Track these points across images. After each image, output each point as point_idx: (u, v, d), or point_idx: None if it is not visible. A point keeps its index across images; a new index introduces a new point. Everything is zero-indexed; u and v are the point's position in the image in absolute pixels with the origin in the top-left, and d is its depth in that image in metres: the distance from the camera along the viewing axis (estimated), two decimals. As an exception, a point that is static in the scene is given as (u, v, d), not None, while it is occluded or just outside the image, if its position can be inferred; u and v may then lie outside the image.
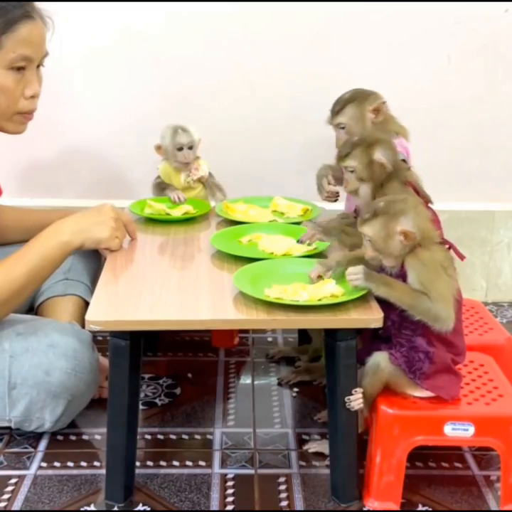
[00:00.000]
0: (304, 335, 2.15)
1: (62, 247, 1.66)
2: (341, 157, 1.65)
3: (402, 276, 1.48)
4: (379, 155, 1.61)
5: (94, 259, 2.09)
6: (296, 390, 1.99)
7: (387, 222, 1.46)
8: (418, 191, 1.66)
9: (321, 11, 2.30)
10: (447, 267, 1.47)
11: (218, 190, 2.12)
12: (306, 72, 2.34)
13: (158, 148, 2.08)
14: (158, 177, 2.11)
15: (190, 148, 2.05)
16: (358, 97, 1.87)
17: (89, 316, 1.45)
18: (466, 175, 2.42)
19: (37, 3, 1.71)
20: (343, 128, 1.88)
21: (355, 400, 1.50)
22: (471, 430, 1.50)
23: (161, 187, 2.10)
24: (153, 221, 2.01)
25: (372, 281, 1.46)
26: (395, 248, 1.47)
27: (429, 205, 1.67)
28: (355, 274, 1.47)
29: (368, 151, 1.62)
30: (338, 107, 1.88)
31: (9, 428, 1.75)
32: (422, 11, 2.31)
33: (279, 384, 2.01)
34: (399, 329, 1.51)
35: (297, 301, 1.47)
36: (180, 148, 2.05)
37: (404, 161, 1.69)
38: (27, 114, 1.75)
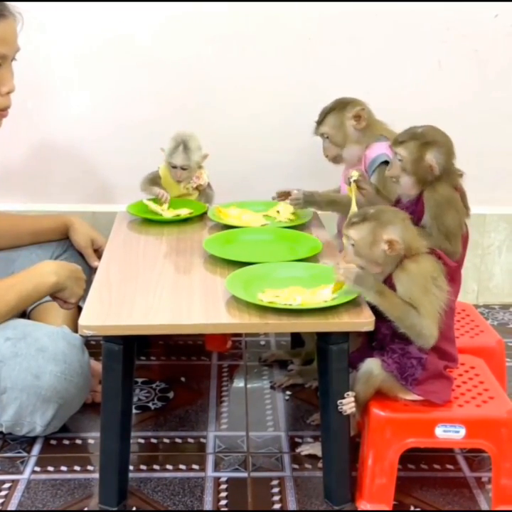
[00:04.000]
0: (296, 338, 2.16)
1: (51, 286, 1.79)
2: (396, 142, 1.65)
3: (390, 288, 1.49)
4: (431, 156, 1.60)
5: (85, 264, 2.10)
6: (288, 393, 1.99)
7: (375, 228, 1.47)
8: (464, 200, 1.67)
9: (313, 18, 2.31)
10: (437, 277, 1.48)
11: (206, 201, 2.13)
12: (299, 77, 2.35)
13: (162, 150, 2.10)
14: (156, 172, 2.12)
15: (184, 169, 2.06)
16: (337, 106, 1.92)
17: (83, 320, 1.46)
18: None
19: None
20: (327, 138, 1.92)
21: (347, 404, 1.51)
22: (462, 432, 1.51)
23: (153, 181, 2.10)
24: (148, 223, 2.02)
25: (363, 287, 1.47)
26: (378, 256, 1.47)
27: (466, 219, 1.68)
28: (348, 274, 1.47)
29: (422, 148, 1.61)
30: (320, 118, 1.93)
31: (1, 433, 1.76)
32: (414, 17, 2.32)
33: (272, 387, 2.02)
34: (391, 340, 1.52)
35: (290, 305, 1.48)
36: (174, 167, 2.07)
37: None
38: (2, 111, 1.79)
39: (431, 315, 1.45)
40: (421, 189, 1.64)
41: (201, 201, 2.14)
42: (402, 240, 1.46)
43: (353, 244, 1.49)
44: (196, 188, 2.13)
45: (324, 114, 1.92)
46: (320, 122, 1.93)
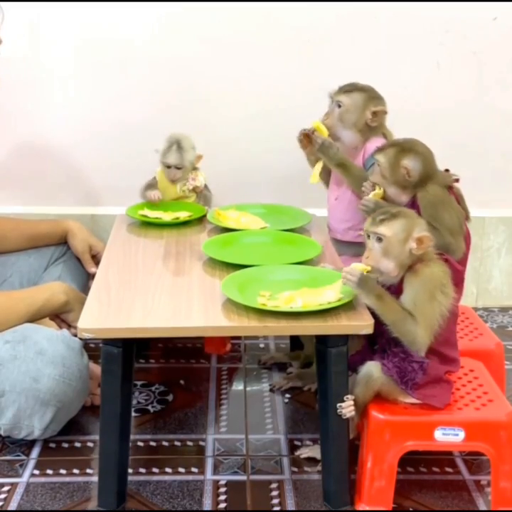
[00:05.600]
0: (295, 341, 2.16)
1: (61, 305, 1.84)
2: (377, 150, 1.70)
3: (397, 292, 1.48)
4: (407, 162, 1.64)
5: (82, 269, 2.11)
6: (288, 396, 1.99)
7: (408, 225, 1.46)
8: (459, 202, 1.69)
9: (311, 19, 2.31)
10: (445, 284, 1.48)
11: (204, 203, 2.13)
12: (297, 79, 2.35)
13: (157, 151, 2.10)
14: (154, 178, 2.13)
15: (178, 168, 2.07)
16: (369, 92, 1.90)
17: (82, 323, 1.46)
18: (456, 181, 2.44)
19: None
20: (340, 107, 1.89)
21: (347, 407, 1.50)
22: (462, 435, 1.51)
23: (150, 186, 2.11)
24: (147, 226, 2.02)
25: (364, 289, 1.46)
26: (405, 255, 1.46)
27: (467, 221, 1.69)
28: (352, 275, 1.46)
29: (399, 154, 1.65)
30: (349, 88, 1.90)
31: (0, 436, 1.76)
32: (413, 19, 2.33)
33: (271, 390, 2.02)
34: (395, 345, 1.52)
35: (290, 308, 1.48)
36: (168, 166, 2.08)
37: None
38: None
39: (428, 324, 1.45)
40: (411, 195, 1.66)
41: (200, 203, 2.14)
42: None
43: (380, 240, 1.46)
44: (193, 190, 2.13)
45: (355, 88, 1.89)
46: (346, 91, 1.89)
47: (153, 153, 2.09)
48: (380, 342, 1.55)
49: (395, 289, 1.49)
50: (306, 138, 1.92)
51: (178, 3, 2.29)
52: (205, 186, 2.15)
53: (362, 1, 2.30)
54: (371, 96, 1.90)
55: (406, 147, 1.67)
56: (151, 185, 2.12)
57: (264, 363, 2.15)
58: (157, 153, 2.09)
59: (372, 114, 1.88)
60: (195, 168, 2.11)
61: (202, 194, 2.15)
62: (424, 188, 1.65)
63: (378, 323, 1.48)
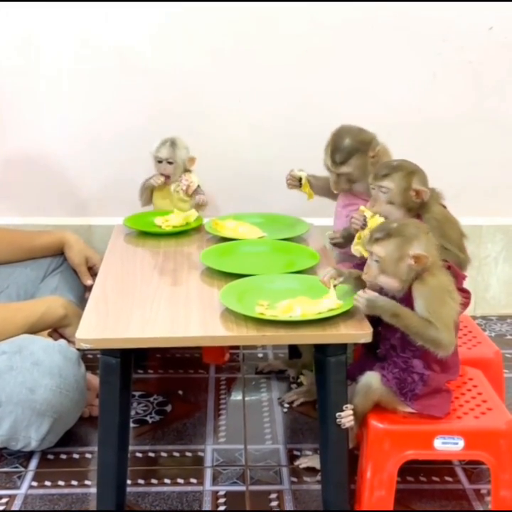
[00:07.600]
0: (294, 350, 2.16)
1: (59, 318, 1.86)
2: (378, 177, 1.66)
3: (407, 300, 1.48)
4: (416, 183, 1.64)
5: (79, 280, 2.12)
6: (286, 405, 1.99)
7: (401, 244, 1.45)
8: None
9: (309, 30, 2.32)
10: (452, 291, 1.48)
11: (198, 206, 2.13)
12: (295, 89, 2.36)
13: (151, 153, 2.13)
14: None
15: (170, 163, 2.09)
16: (361, 147, 1.84)
17: (80, 334, 1.45)
18: (454, 189, 2.40)
19: None
20: (347, 174, 1.86)
21: (346, 417, 1.50)
22: (461, 444, 1.51)
23: (146, 188, 2.13)
24: (145, 236, 2.02)
25: (376, 311, 1.46)
26: (403, 272, 1.46)
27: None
28: (359, 301, 1.46)
29: (407, 178, 1.65)
30: (342, 158, 1.84)
31: (-1, 447, 1.76)
32: (409, 29, 2.34)
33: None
34: (398, 353, 1.52)
35: (290, 317, 1.47)
36: (160, 161, 2.10)
37: None
38: None
39: (449, 326, 1.45)
40: (412, 216, 1.66)
41: (195, 207, 2.12)
42: (429, 254, 1.46)
43: (377, 261, 1.47)
44: (186, 190, 2.12)
45: (347, 155, 1.83)
46: (343, 163, 1.83)
47: (150, 164, 2.10)
48: (383, 348, 1.54)
49: (404, 299, 1.49)
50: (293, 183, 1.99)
51: (178, 9, 2.29)
52: (198, 187, 2.13)
53: (360, 0, 2.30)
54: (364, 148, 1.83)
55: (411, 170, 1.66)
56: (148, 187, 2.13)
57: (262, 370, 2.15)
58: (150, 154, 2.11)
59: (373, 157, 1.84)
60: (188, 171, 2.12)
61: (195, 194, 2.13)
62: (427, 208, 1.66)
63: (382, 329, 1.48)
